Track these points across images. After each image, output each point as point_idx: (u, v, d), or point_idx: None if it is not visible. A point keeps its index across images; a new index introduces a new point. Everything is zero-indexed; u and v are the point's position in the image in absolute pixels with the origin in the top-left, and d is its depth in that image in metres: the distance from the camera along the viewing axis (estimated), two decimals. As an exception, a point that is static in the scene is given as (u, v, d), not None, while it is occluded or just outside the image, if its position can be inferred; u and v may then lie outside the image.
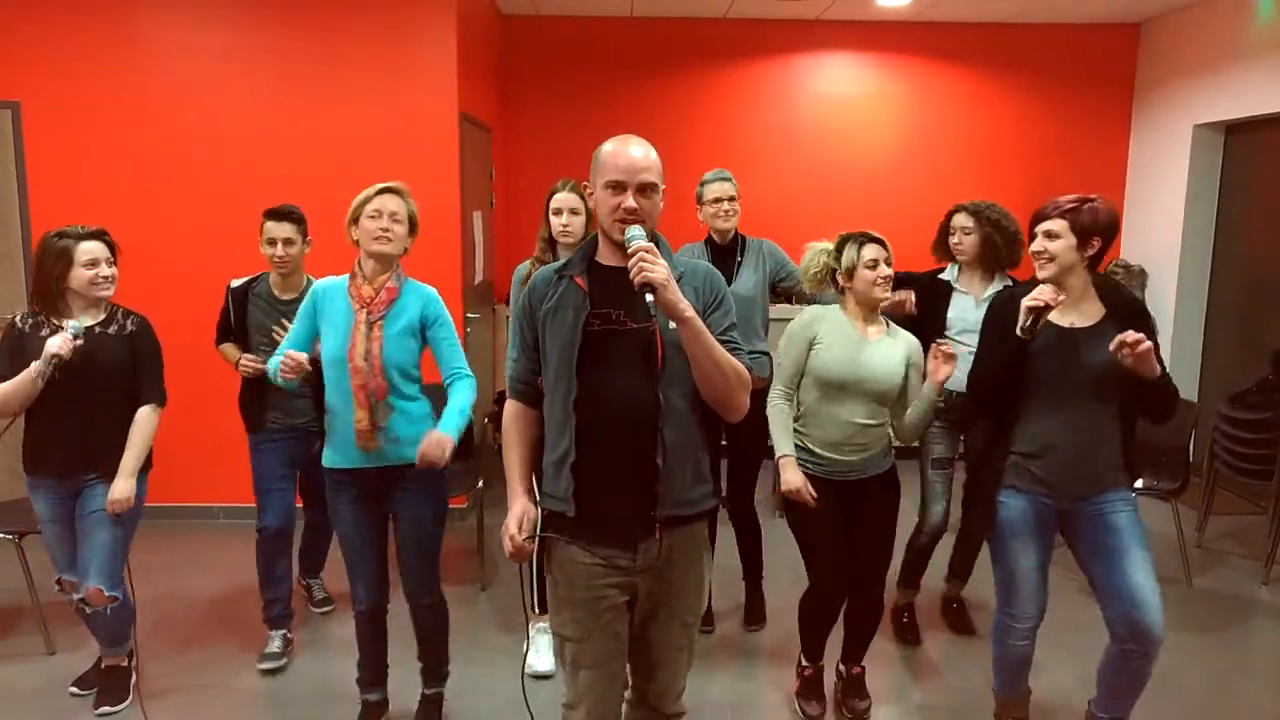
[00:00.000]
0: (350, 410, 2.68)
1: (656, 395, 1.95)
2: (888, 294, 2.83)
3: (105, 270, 2.88)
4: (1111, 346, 2.34)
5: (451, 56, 4.58)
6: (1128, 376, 2.42)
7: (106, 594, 2.90)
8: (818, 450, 2.85)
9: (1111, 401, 2.54)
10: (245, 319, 3.41)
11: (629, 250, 1.87)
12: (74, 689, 3.19)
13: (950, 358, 2.80)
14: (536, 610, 3.31)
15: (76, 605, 2.97)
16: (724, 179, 3.57)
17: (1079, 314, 2.55)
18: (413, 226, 2.76)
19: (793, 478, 2.80)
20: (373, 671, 2.96)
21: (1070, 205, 2.48)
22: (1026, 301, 2.44)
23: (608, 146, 2.00)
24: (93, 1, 4.49)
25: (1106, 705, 2.69)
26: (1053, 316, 2.51)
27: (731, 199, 3.54)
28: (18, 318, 2.95)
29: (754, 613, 3.74)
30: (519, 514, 2.02)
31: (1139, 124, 6.22)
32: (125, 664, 3.18)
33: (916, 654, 3.55)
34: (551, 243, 3.32)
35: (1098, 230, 2.47)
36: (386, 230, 2.66)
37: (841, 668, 3.12)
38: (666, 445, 1.97)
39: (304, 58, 4.57)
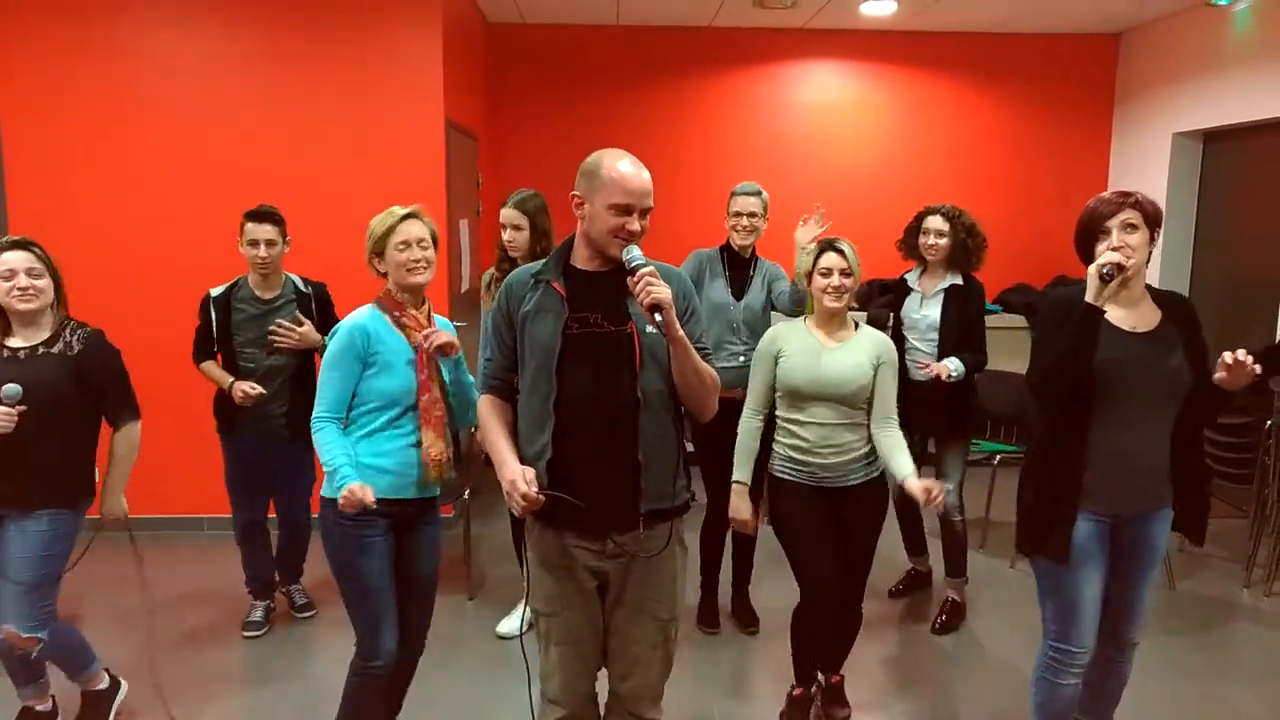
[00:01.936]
0: (398, 445, 2.50)
1: (635, 394, 2.05)
2: (840, 302, 2.82)
3: (23, 281, 2.64)
4: (1221, 373, 2.21)
5: (437, 64, 4.58)
6: (1195, 383, 2.32)
7: (24, 636, 2.65)
8: (797, 456, 2.86)
9: (1173, 411, 2.37)
10: (229, 326, 3.42)
11: (632, 270, 1.98)
12: None
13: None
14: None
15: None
16: (751, 194, 3.57)
17: (1140, 317, 2.39)
18: (435, 245, 2.60)
19: (740, 506, 2.89)
20: None
21: (1130, 197, 2.31)
22: (1102, 260, 2.22)
23: (614, 166, 2.03)
24: (74, 10, 4.46)
25: (1087, 708, 2.68)
26: (1116, 320, 2.34)
27: (753, 215, 3.55)
28: None
29: (749, 617, 3.76)
30: (519, 472, 2.03)
31: (1119, 132, 6.29)
32: (105, 684, 3.00)
33: (897, 660, 3.57)
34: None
35: (1159, 221, 2.35)
36: (418, 261, 2.51)
37: (821, 677, 3.09)
38: (646, 441, 2.06)
39: (289, 66, 4.56)
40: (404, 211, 2.56)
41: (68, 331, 2.75)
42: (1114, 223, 2.30)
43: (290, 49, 4.55)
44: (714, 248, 3.69)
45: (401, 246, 2.50)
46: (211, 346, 3.48)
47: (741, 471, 2.91)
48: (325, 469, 2.46)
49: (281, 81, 4.56)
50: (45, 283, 2.71)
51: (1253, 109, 5.02)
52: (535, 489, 2.01)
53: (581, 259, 2.12)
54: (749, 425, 2.95)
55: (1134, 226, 2.30)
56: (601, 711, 2.32)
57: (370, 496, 2.34)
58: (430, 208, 4.56)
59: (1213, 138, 5.63)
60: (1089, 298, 2.25)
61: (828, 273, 2.81)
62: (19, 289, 2.65)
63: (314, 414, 2.49)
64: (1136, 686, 2.71)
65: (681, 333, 2.00)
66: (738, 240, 3.59)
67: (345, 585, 2.53)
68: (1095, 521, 2.40)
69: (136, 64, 4.53)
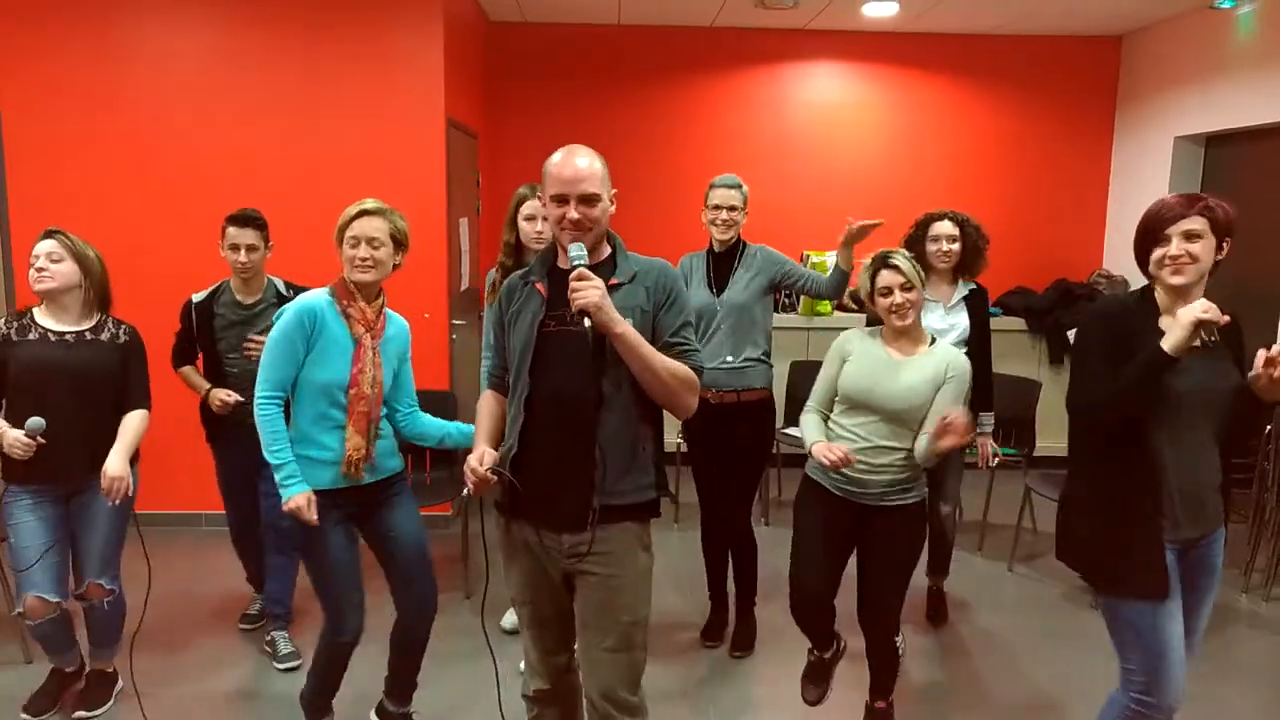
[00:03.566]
0: (336, 437, 2.55)
1: (598, 389, 2.08)
2: (906, 320, 2.68)
3: (40, 263, 2.83)
4: (1260, 365, 2.05)
5: (438, 63, 4.57)
6: (1237, 396, 2.18)
7: (106, 587, 2.95)
8: None
9: (1218, 427, 2.23)
10: (212, 331, 3.40)
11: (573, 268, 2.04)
12: (25, 716, 3.08)
13: (957, 429, 2.46)
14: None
15: (64, 607, 2.94)
16: (730, 186, 3.41)
17: None
18: (400, 244, 2.61)
19: (818, 445, 2.64)
20: (330, 699, 2.82)
21: (1200, 202, 2.12)
22: (1198, 314, 2.02)
23: (554, 159, 2.12)
24: (73, 10, 4.45)
25: None
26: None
27: (733, 209, 3.39)
28: (3, 323, 2.92)
29: (742, 639, 3.62)
30: (480, 453, 2.14)
31: (1121, 135, 6.28)
32: (111, 670, 3.19)
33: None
34: (518, 248, 3.25)
35: (1231, 230, 2.15)
36: (366, 259, 2.52)
37: (867, 698, 3.01)
38: (605, 437, 2.08)
39: (289, 64, 4.55)
40: (364, 206, 2.56)
41: (111, 324, 2.99)
42: (1175, 230, 2.11)
43: (291, 46, 4.54)
44: (702, 250, 3.56)
45: (352, 242, 2.54)
46: (191, 352, 3.48)
47: (815, 435, 2.74)
48: (268, 457, 2.51)
49: (282, 79, 4.56)
50: (63, 267, 2.85)
51: (1255, 113, 5.01)
52: (486, 469, 2.08)
53: (562, 259, 2.18)
54: (809, 419, 2.82)
55: (1198, 235, 2.11)
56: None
57: (313, 516, 2.46)
58: (430, 206, 4.64)
59: (1215, 142, 5.62)
60: (1170, 347, 2.05)
61: (887, 291, 2.68)
62: (37, 270, 2.84)
63: (257, 392, 2.53)
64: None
65: (623, 328, 2.01)
66: (716, 235, 3.43)
67: (308, 567, 2.68)
68: (1170, 551, 2.21)
69: (135, 66, 4.52)
